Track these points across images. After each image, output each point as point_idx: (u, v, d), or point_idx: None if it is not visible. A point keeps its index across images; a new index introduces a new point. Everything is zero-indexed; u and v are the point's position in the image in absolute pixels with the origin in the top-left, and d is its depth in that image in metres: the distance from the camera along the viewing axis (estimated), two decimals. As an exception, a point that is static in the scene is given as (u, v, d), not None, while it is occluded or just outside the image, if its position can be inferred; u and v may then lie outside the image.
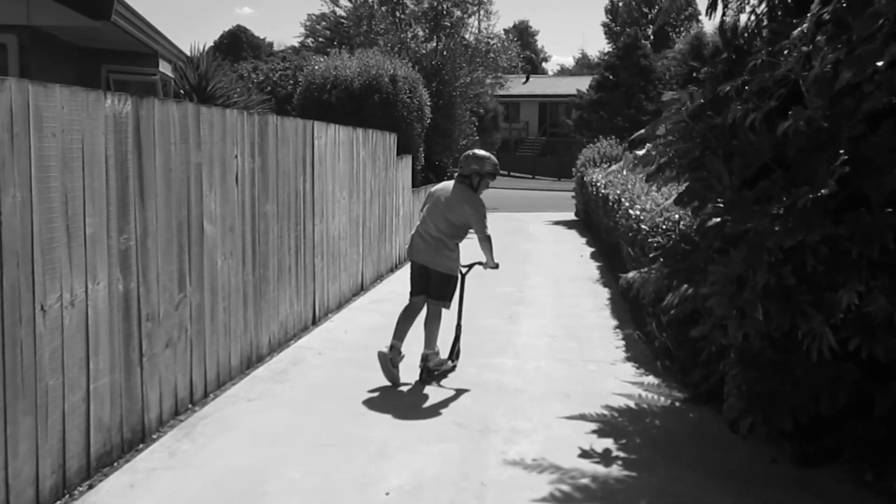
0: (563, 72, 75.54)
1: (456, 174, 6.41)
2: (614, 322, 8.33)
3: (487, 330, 7.84)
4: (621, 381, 6.10)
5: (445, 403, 5.55)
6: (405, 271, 12.07)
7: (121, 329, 4.39)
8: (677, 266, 5.14)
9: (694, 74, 22.35)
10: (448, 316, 6.44)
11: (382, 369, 5.93)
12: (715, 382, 5.53)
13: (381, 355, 5.94)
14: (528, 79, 52.19)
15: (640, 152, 5.46)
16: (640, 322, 8.08)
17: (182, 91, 11.10)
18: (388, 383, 5.93)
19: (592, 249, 14.93)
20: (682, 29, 73.50)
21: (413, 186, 13.73)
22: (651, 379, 6.17)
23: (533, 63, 65.36)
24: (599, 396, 5.72)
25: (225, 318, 5.76)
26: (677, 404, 5.62)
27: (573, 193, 22.16)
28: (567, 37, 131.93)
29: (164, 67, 9.80)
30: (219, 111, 5.57)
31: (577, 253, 14.55)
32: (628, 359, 6.81)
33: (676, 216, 6.96)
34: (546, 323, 8.23)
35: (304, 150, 7.46)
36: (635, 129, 22.46)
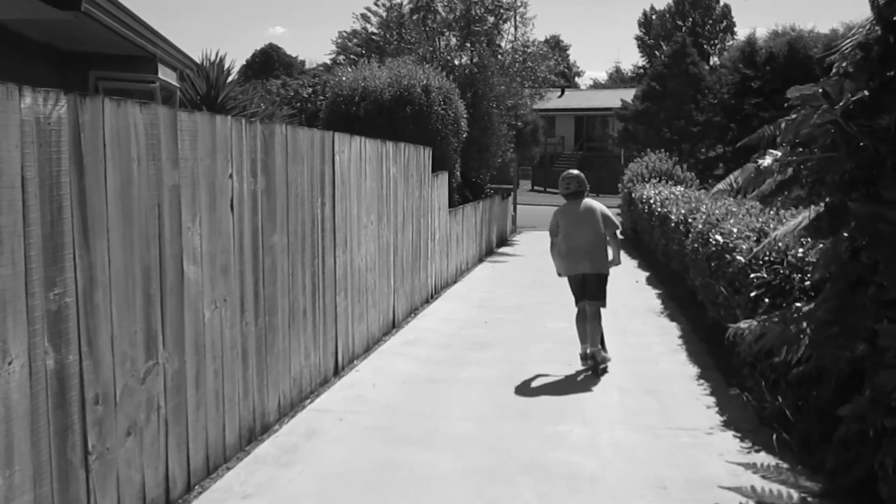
0: (598, 85, 74.03)
1: (569, 194, 7.04)
2: (695, 369, 6.94)
3: (544, 382, 6.50)
4: (727, 462, 4.71)
5: None
6: (443, 301, 10.78)
7: (52, 422, 3.11)
8: (828, 331, 3.75)
9: (749, 83, 20.94)
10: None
11: (592, 370, 6.79)
12: (864, 471, 4.15)
13: (581, 359, 6.95)
14: (563, 92, 50.83)
15: (765, 162, 4.10)
16: (726, 368, 6.71)
17: (190, 101, 9.91)
18: (424, 463, 4.62)
19: (647, 273, 13.52)
20: (716, 41, 71.96)
21: (449, 206, 12.45)
22: (765, 458, 4.76)
23: (566, 77, 64.02)
24: (704, 487, 4.34)
25: (216, 385, 4.48)
26: (810, 500, 4.23)
27: (618, 210, 20.78)
28: (599, 52, 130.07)
29: (167, 75, 8.63)
30: (205, 117, 4.31)
31: (630, 278, 13.14)
32: (727, 424, 5.41)
33: (781, 244, 5.60)
34: (613, 370, 6.86)
35: (323, 167, 6.20)
36: (685, 142, 21.03)
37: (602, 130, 50.51)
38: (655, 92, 22.44)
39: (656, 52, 67.24)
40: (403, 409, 5.69)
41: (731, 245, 6.39)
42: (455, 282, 12.31)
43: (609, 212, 7.02)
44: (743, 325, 4.51)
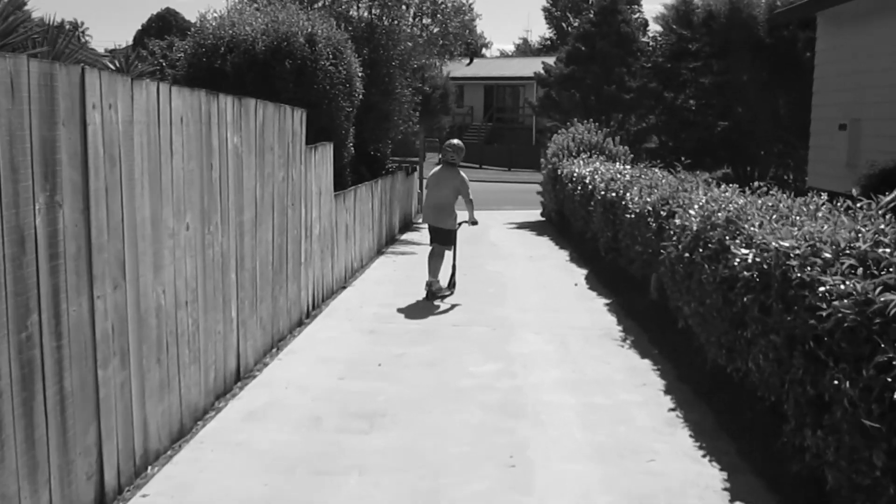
0: (508, 55, 71.41)
1: (445, 161, 9.06)
2: (716, 470, 4.26)
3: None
4: None
5: None
6: (324, 323, 7.33)
7: None
8: None
9: (686, 45, 18.51)
10: None
11: (427, 294, 8.63)
12: None
13: (426, 287, 8.64)
14: (471, 60, 47.83)
15: None
16: (770, 473, 4.07)
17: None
18: None
19: (585, 271, 10.87)
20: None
21: (340, 187, 9.51)
22: None
23: (475, 44, 60.95)
24: None
25: None
26: None
27: (540, 189, 18.12)
28: (506, 24, 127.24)
29: None
30: None
31: (567, 276, 10.50)
32: None
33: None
34: (591, 484, 4.11)
35: (54, 133, 3.20)
36: (615, 111, 18.22)
37: (513, 101, 47.98)
38: (582, 54, 19.60)
39: (563, 24, 65.08)
40: None
41: (805, 278, 3.65)
42: (344, 287, 9.38)
43: (468, 184, 8.94)
44: None
